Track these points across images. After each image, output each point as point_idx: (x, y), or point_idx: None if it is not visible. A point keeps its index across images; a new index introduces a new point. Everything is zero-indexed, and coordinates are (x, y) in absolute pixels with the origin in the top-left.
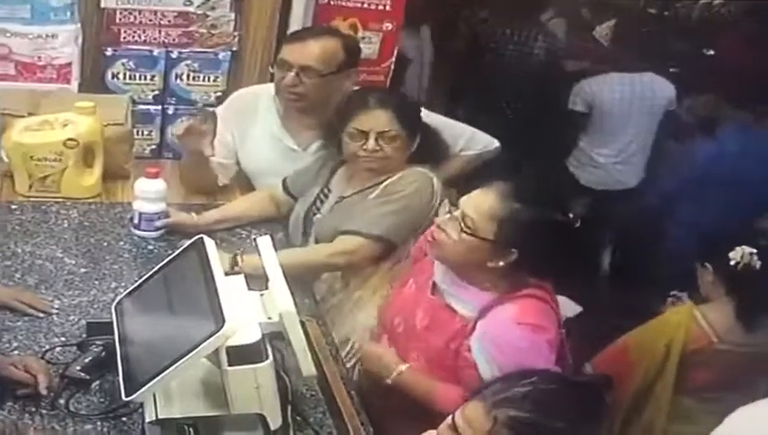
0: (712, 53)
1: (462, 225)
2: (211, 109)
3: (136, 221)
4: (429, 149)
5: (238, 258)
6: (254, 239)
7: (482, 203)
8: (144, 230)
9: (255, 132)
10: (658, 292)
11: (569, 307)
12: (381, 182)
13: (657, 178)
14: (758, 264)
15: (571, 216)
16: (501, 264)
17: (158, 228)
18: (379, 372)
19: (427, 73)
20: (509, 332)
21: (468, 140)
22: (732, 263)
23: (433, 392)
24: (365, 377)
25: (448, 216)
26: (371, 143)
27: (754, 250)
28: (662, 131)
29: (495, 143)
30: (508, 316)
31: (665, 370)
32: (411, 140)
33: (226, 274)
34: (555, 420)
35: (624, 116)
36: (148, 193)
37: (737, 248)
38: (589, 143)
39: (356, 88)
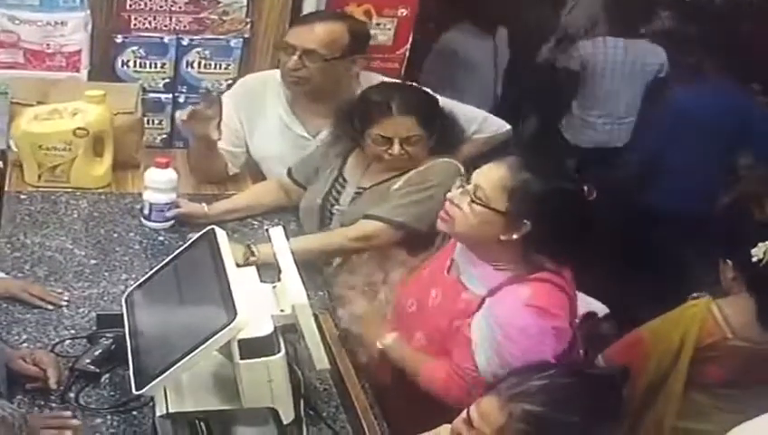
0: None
1: (473, 196)
2: (215, 93)
3: (146, 212)
4: (448, 137)
5: (253, 249)
6: (267, 230)
7: (493, 175)
8: (154, 221)
9: (264, 119)
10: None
11: (596, 307)
12: (404, 172)
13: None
14: None
15: (585, 188)
16: (514, 236)
17: (168, 219)
18: (367, 338)
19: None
20: (515, 312)
21: (481, 124)
22: (754, 259)
23: (419, 367)
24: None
25: (460, 190)
26: (396, 148)
27: None
28: (652, 96)
29: (507, 126)
30: (517, 297)
31: (677, 363)
32: (432, 135)
33: (239, 266)
34: (571, 414)
35: (615, 78)
36: (159, 183)
37: (760, 245)
38: (581, 104)
39: (374, 83)
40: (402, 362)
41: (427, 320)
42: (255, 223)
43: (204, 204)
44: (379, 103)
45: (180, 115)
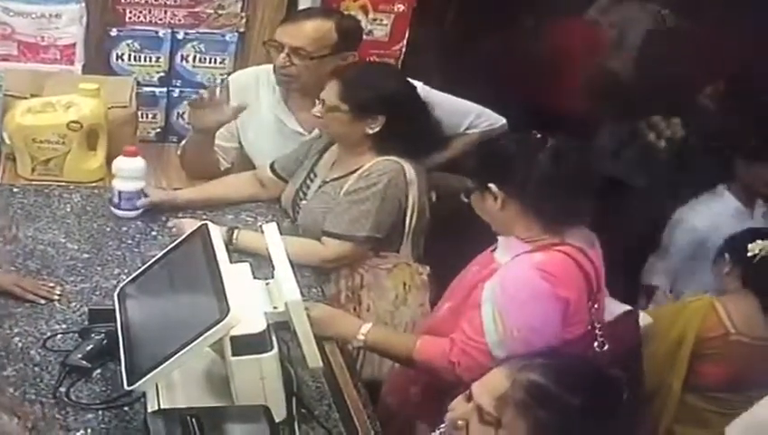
0: None
1: None
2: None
3: (116, 201)
4: (424, 138)
5: (234, 233)
6: (260, 226)
7: None
8: (124, 209)
9: (257, 115)
10: None
11: (616, 308)
12: (356, 170)
13: None
14: None
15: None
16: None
17: (137, 208)
18: (338, 336)
19: None
20: (522, 273)
21: (476, 118)
22: (749, 254)
23: (411, 346)
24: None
25: None
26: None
27: None
28: None
29: (502, 120)
30: (528, 260)
31: (677, 358)
32: (361, 117)
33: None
34: (574, 395)
35: None
36: (127, 171)
37: (758, 241)
38: None
39: None
40: (389, 345)
41: (458, 292)
42: (249, 219)
43: (170, 191)
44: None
45: (189, 103)
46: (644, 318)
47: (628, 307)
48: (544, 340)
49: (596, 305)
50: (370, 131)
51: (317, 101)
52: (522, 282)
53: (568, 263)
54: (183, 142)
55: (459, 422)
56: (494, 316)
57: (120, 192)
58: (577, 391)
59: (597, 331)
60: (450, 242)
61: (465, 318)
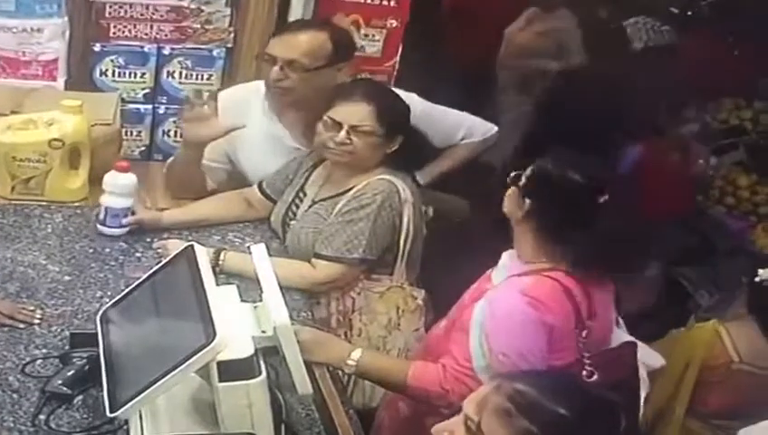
0: None
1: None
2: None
3: (102, 217)
4: (412, 152)
5: (221, 255)
6: (248, 247)
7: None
8: (110, 227)
9: (251, 132)
10: None
11: (653, 357)
12: (349, 190)
13: None
14: None
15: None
16: (520, 214)
17: (123, 226)
18: (328, 361)
19: None
20: (508, 297)
21: (469, 129)
22: (756, 280)
23: (405, 371)
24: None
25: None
26: (342, 134)
27: None
28: None
29: (494, 129)
30: (515, 285)
31: (681, 386)
32: (389, 140)
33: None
34: (559, 407)
35: None
36: (118, 187)
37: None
38: None
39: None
40: (380, 372)
41: (454, 311)
42: (237, 240)
43: (156, 211)
44: (343, 89)
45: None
46: (657, 359)
47: (629, 338)
48: (531, 365)
49: (584, 334)
50: (389, 151)
51: (326, 120)
52: (507, 306)
53: (556, 289)
54: (170, 160)
55: (445, 433)
56: (480, 340)
57: (107, 208)
58: (565, 403)
59: (585, 359)
60: (447, 263)
61: (455, 341)
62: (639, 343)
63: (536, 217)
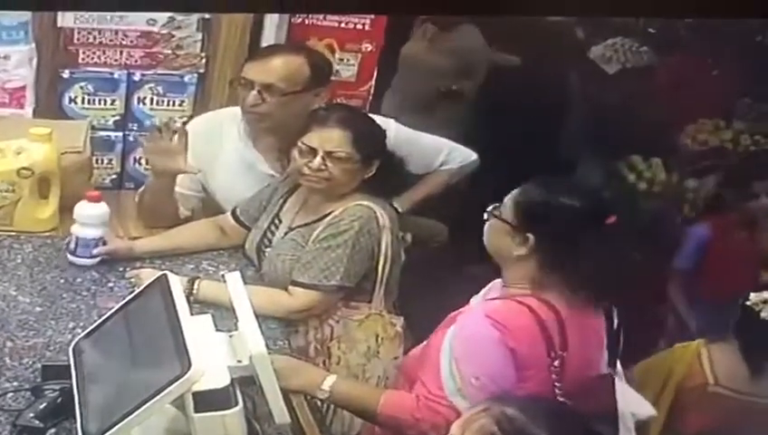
0: None
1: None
2: (177, 123)
3: (72, 247)
4: (390, 178)
5: (195, 284)
6: (223, 275)
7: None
8: (80, 257)
9: (223, 159)
10: None
11: (642, 407)
12: (326, 216)
13: None
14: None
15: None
16: (523, 251)
17: (93, 256)
18: (302, 388)
19: None
20: (474, 321)
21: (447, 155)
22: (747, 303)
23: (378, 399)
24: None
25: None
26: (317, 161)
27: None
28: None
29: (474, 156)
30: (482, 308)
31: (657, 406)
32: (366, 165)
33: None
34: (545, 431)
35: None
36: (89, 218)
37: (763, 293)
38: None
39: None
40: (354, 399)
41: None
42: (211, 268)
43: (129, 240)
44: (318, 114)
45: (144, 142)
46: (646, 409)
47: (607, 372)
48: (503, 388)
49: (557, 363)
50: (366, 177)
51: (301, 146)
52: (472, 329)
53: (522, 315)
54: (142, 189)
55: None
56: (450, 364)
57: (77, 238)
58: (554, 433)
59: (557, 389)
60: (425, 289)
61: (426, 368)
62: (632, 391)
63: (542, 250)
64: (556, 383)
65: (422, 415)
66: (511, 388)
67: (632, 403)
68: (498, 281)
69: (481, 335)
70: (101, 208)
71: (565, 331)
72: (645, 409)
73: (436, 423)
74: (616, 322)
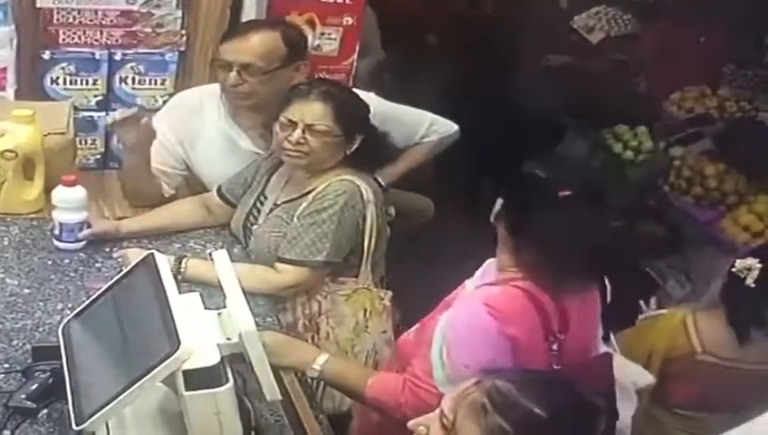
0: None
1: None
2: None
3: (57, 233)
4: (373, 152)
5: (182, 262)
6: (210, 253)
7: None
8: (66, 242)
9: (206, 137)
10: None
11: (641, 376)
12: (310, 192)
13: None
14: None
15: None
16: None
17: (79, 239)
18: (293, 365)
19: None
20: (469, 307)
21: (429, 127)
22: (733, 269)
23: (366, 380)
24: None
25: None
26: (297, 134)
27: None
28: None
29: (455, 127)
30: (480, 295)
31: None
32: (348, 140)
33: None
34: (536, 406)
35: None
36: (67, 202)
37: (748, 259)
38: None
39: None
40: (343, 379)
41: (427, 317)
42: (198, 247)
43: (115, 221)
44: (300, 89)
45: (109, 120)
46: (645, 377)
47: (606, 350)
48: None
49: (555, 347)
50: (349, 152)
51: (282, 120)
52: (469, 317)
53: (521, 300)
54: (121, 167)
55: (421, 428)
56: (441, 351)
57: (61, 224)
58: (543, 403)
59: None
60: (412, 264)
61: (418, 353)
62: (632, 364)
63: (505, 218)
64: (555, 367)
65: (405, 399)
66: None
67: (633, 374)
68: (492, 261)
69: (477, 324)
70: (79, 192)
71: (564, 314)
72: (644, 378)
73: (418, 408)
74: (609, 295)
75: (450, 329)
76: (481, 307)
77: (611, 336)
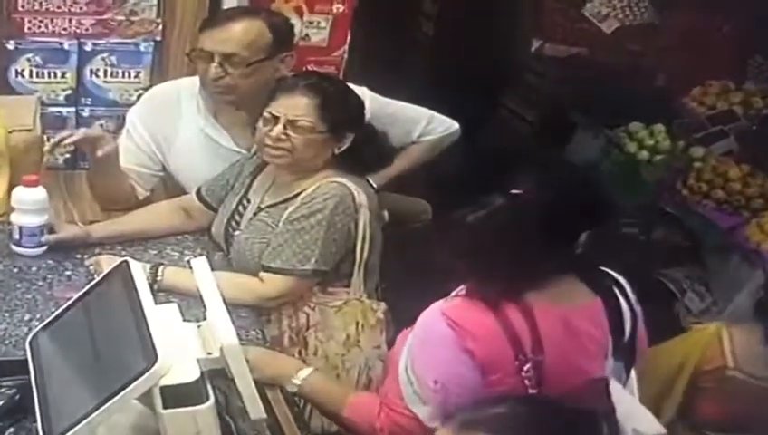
0: None
1: None
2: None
3: (16, 237)
4: (366, 152)
5: (159, 270)
6: (188, 261)
7: None
8: (26, 247)
9: (183, 135)
10: None
11: (649, 425)
12: (297, 195)
13: None
14: None
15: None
16: None
17: (41, 244)
18: (274, 379)
19: None
20: (430, 319)
21: (427, 125)
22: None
23: (345, 400)
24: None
25: None
26: (278, 128)
27: None
28: None
29: (455, 125)
30: (439, 305)
31: (673, 389)
32: (336, 138)
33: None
34: None
35: None
36: (27, 204)
37: None
38: None
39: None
40: (322, 396)
41: None
42: (175, 254)
43: (83, 225)
44: (286, 82)
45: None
46: (652, 427)
47: (601, 375)
48: (464, 392)
49: (527, 367)
50: (338, 151)
51: (265, 115)
52: (429, 328)
53: (482, 313)
54: (89, 168)
55: None
56: (407, 364)
57: (20, 227)
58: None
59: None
60: (408, 272)
61: (391, 372)
62: (639, 406)
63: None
64: (531, 390)
65: (381, 424)
66: (477, 394)
67: (636, 419)
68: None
69: (436, 335)
70: (40, 193)
71: (538, 333)
72: (651, 426)
73: (394, 433)
74: (628, 330)
75: (413, 342)
76: (439, 318)
77: (633, 375)
